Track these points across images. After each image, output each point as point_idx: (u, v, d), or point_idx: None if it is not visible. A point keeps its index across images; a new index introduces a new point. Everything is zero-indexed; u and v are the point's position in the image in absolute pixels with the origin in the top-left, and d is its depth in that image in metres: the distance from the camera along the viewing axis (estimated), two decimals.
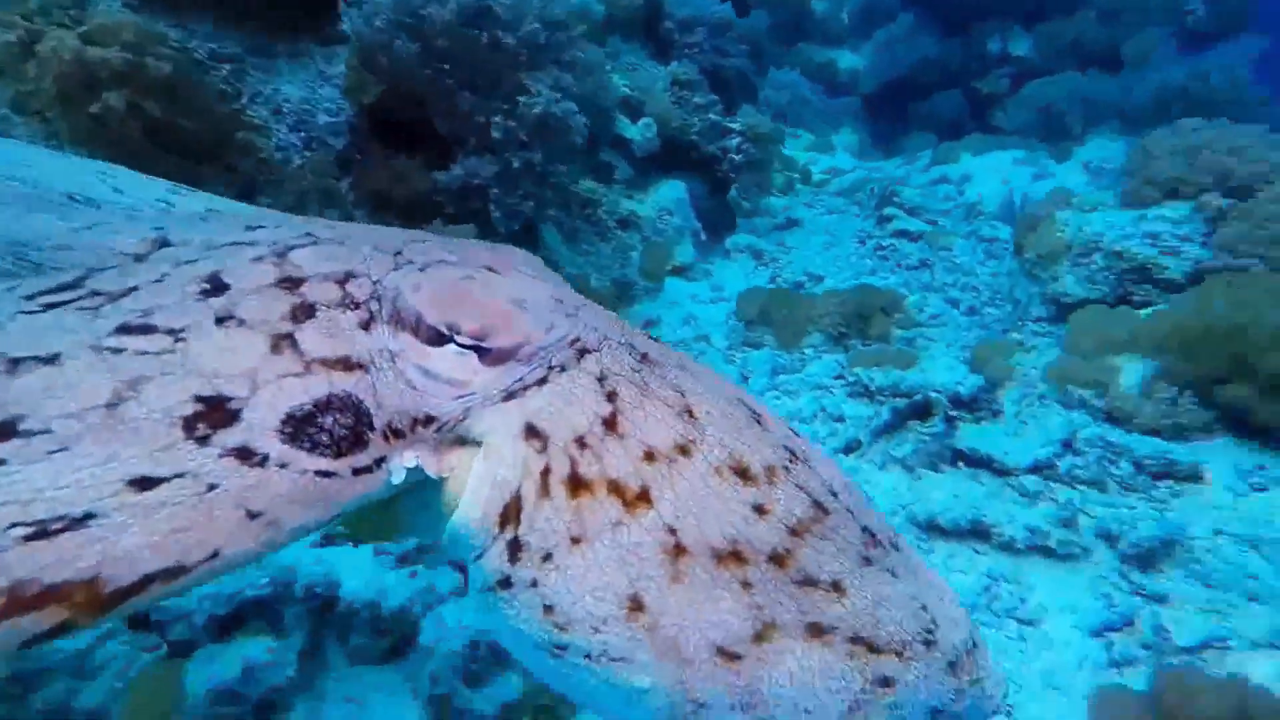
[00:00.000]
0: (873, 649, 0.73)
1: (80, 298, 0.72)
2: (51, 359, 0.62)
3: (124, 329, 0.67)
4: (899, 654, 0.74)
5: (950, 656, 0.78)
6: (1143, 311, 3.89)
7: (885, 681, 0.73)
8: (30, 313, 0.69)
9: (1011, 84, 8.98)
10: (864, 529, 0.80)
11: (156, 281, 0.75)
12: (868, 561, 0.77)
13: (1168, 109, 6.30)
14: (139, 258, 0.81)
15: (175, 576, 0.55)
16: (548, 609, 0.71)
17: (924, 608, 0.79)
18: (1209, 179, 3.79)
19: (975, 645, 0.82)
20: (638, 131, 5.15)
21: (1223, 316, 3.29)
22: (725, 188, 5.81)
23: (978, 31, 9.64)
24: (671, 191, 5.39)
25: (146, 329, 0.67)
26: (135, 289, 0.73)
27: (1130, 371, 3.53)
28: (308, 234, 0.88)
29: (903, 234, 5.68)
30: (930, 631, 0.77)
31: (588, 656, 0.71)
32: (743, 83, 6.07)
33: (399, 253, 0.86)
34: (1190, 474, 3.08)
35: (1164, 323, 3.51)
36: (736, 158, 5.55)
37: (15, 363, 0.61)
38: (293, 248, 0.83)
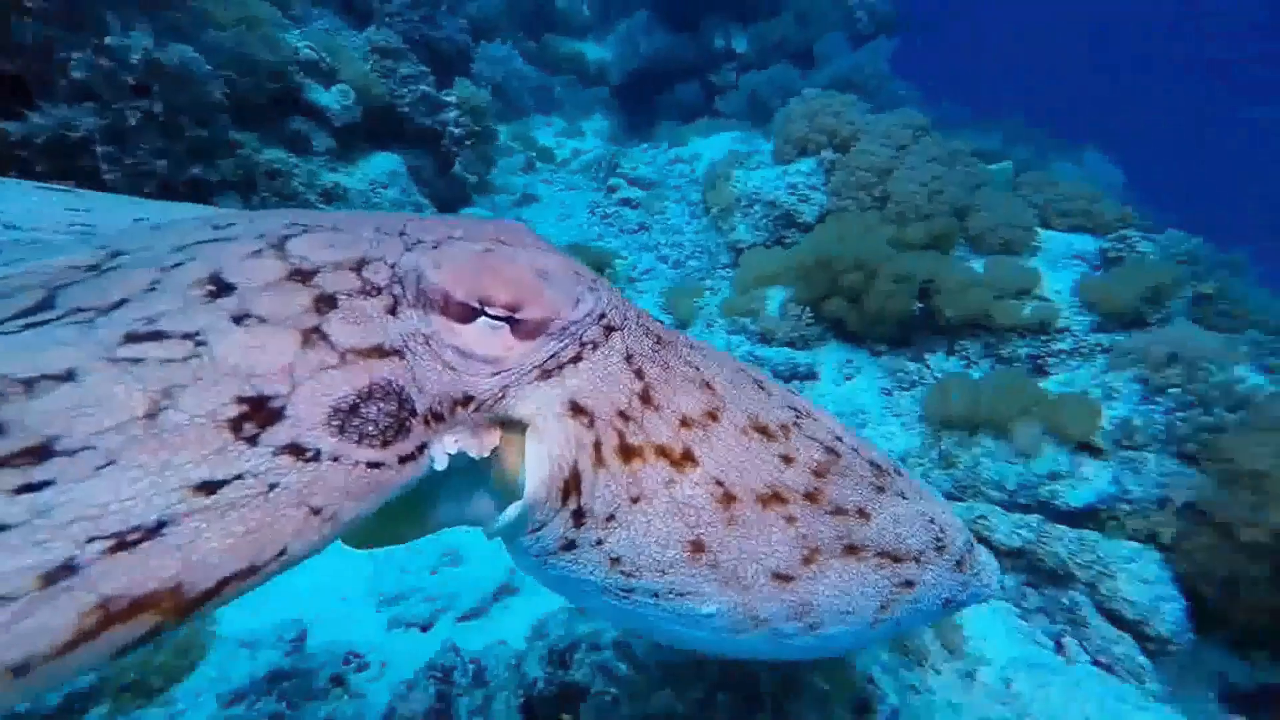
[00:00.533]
0: (896, 559, 0.88)
1: (63, 315, 0.65)
2: (68, 376, 0.58)
3: (133, 338, 0.63)
4: (917, 560, 0.90)
5: (956, 557, 0.93)
6: (790, 250, 4.64)
7: (908, 583, 0.88)
8: (10, 333, 0.63)
9: (736, 76, 10.18)
10: (871, 463, 0.93)
11: (149, 290, 0.69)
12: (881, 490, 0.90)
13: None
14: (96, 269, 0.73)
15: (248, 576, 0.55)
16: (614, 560, 0.79)
17: (931, 520, 0.93)
18: (824, 138, 4.63)
19: (973, 546, 0.97)
20: (333, 99, 4.84)
21: (824, 248, 4.06)
22: (452, 163, 5.74)
23: (705, 28, 10.74)
24: (384, 164, 5.18)
25: (158, 335, 0.64)
26: (125, 300, 0.68)
27: (773, 300, 4.20)
28: (293, 223, 0.82)
29: (626, 202, 6.12)
30: (940, 539, 0.92)
31: (655, 595, 0.80)
32: (459, 57, 6.03)
33: (403, 233, 0.83)
34: (808, 373, 3.77)
35: (793, 258, 4.24)
36: (456, 131, 5.51)
37: (29, 383, 0.57)
38: (287, 238, 0.78)
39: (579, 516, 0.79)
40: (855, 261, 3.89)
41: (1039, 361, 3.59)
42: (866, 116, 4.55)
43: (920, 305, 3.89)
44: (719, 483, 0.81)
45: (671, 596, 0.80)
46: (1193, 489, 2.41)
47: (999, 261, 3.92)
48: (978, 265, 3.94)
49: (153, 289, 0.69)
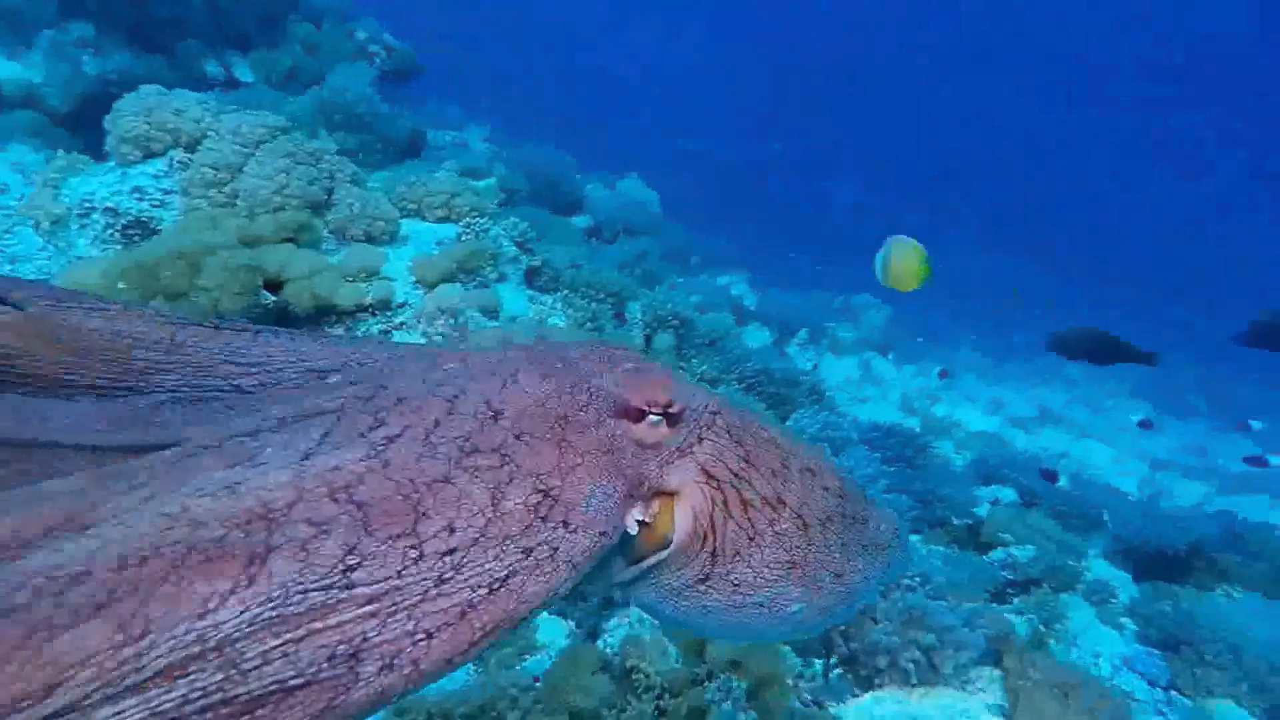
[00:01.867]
0: (880, 549, 1.18)
1: (401, 433, 0.83)
2: (446, 480, 0.80)
3: (466, 453, 0.84)
4: (883, 549, 1.20)
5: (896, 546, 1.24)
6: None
7: (887, 562, 1.18)
8: (375, 444, 0.80)
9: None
10: (860, 487, 1.24)
11: (450, 415, 0.88)
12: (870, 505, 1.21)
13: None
14: (371, 400, 0.89)
15: (544, 607, 0.83)
16: (736, 585, 1.06)
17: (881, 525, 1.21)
18: (167, 136, 4.08)
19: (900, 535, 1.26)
20: None
21: (148, 250, 3.51)
22: None
23: (186, 53, 9.39)
24: None
25: (477, 450, 0.85)
26: (439, 423, 0.86)
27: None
28: (508, 360, 1.03)
29: None
30: (890, 536, 1.21)
31: (760, 605, 1.08)
32: None
33: (583, 359, 1.09)
34: None
35: (113, 264, 3.59)
36: None
37: (430, 484, 0.78)
38: (517, 372, 0.99)
39: (714, 557, 1.05)
40: (174, 254, 3.42)
41: (385, 334, 3.70)
42: (218, 116, 4.22)
43: (274, 298, 3.67)
44: (799, 516, 1.08)
45: (772, 605, 1.08)
46: None
47: (352, 250, 3.96)
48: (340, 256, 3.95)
49: (452, 415, 0.88)
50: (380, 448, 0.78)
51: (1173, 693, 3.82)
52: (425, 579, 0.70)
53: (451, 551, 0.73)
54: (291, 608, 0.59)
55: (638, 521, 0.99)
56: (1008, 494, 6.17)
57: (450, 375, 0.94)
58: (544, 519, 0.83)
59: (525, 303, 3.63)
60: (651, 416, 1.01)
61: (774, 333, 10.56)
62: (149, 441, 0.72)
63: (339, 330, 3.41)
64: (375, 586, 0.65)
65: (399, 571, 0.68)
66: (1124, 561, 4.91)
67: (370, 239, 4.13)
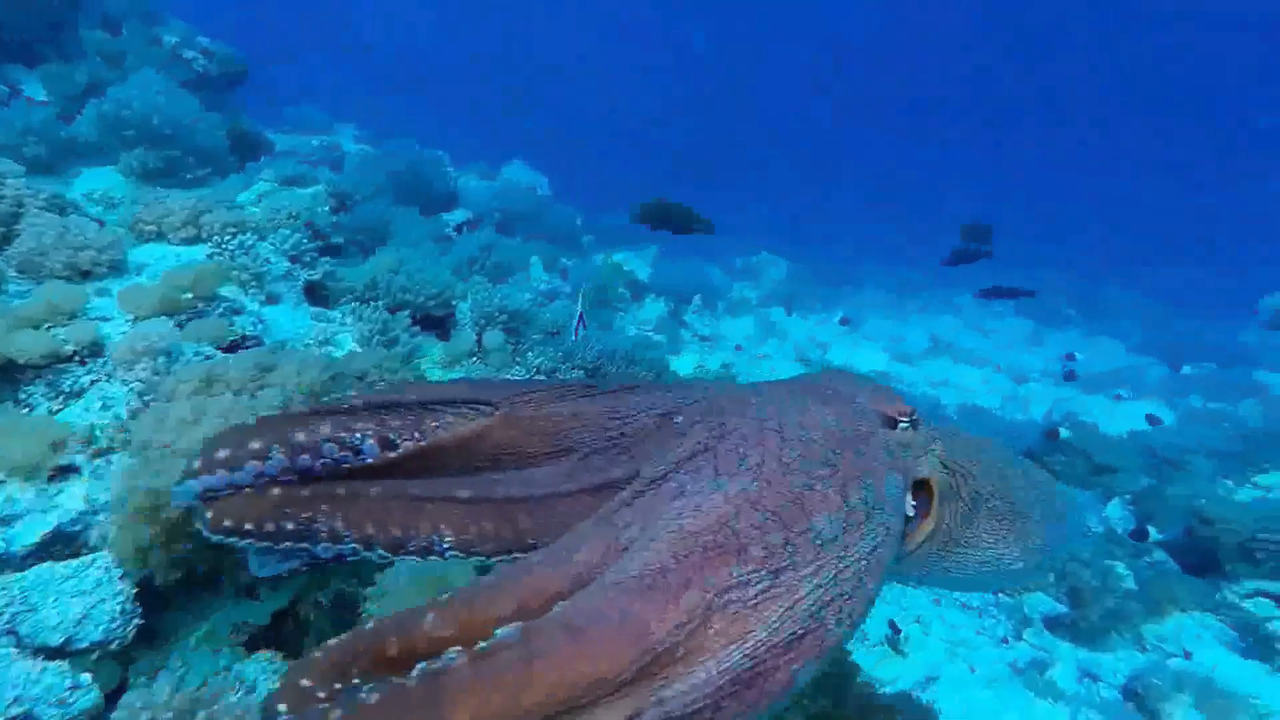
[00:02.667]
0: (1061, 518, 1.41)
1: (764, 459, 1.00)
2: (810, 489, 0.96)
3: (811, 467, 1.01)
4: (1062, 517, 1.46)
5: None
6: None
7: (1065, 527, 1.43)
8: (755, 470, 0.96)
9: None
10: (1043, 472, 1.58)
11: (784, 443, 1.03)
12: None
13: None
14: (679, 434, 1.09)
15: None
16: (969, 551, 1.28)
17: (1058, 500, 1.49)
18: None
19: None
20: None
21: None
22: None
23: None
24: None
25: (814, 464, 1.01)
26: (780, 449, 1.01)
27: None
28: (788, 393, 1.24)
29: None
30: (1066, 508, 1.49)
31: (987, 564, 1.28)
32: None
33: (840, 383, 1.34)
34: None
35: None
36: None
37: (802, 494, 0.95)
38: (808, 402, 1.18)
39: (952, 529, 1.26)
40: None
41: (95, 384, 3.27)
42: None
43: None
44: (1009, 495, 1.32)
45: (996, 563, 1.29)
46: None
47: (43, 289, 3.34)
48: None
49: (784, 443, 1.03)
50: (759, 472, 0.96)
51: (1000, 595, 4.21)
52: (833, 556, 0.90)
53: (836, 537, 0.92)
54: (778, 578, 0.83)
55: (912, 505, 1.19)
56: None
57: (764, 410, 1.10)
58: (875, 508, 1.00)
59: (307, 321, 3.31)
60: (903, 423, 1.25)
61: (670, 303, 10.66)
62: (595, 483, 0.98)
63: (41, 386, 2.97)
64: (813, 564, 0.87)
65: (817, 553, 0.89)
66: None
67: (78, 273, 3.64)
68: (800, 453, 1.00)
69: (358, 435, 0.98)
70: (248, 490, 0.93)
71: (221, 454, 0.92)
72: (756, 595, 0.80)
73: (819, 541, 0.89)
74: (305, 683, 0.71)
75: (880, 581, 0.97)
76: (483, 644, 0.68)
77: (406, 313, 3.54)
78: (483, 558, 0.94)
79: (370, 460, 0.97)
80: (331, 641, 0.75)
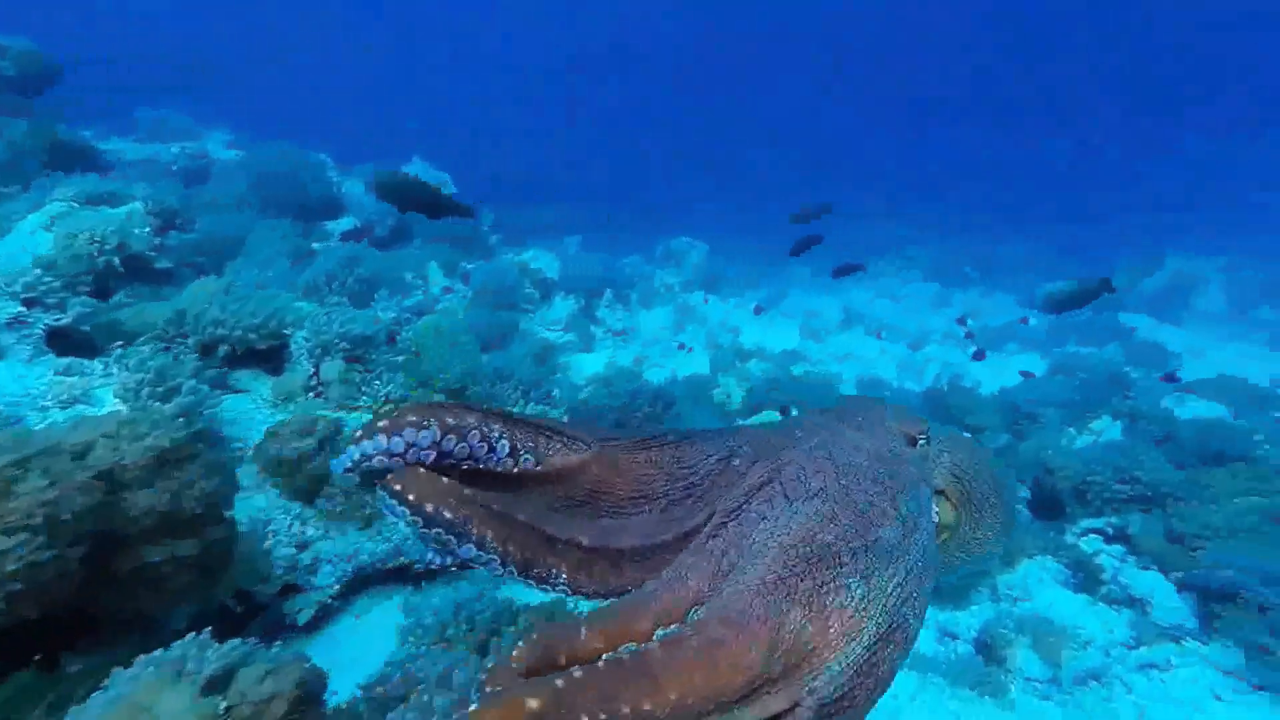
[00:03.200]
0: (1012, 511, 1.62)
1: (825, 484, 1.09)
2: (872, 505, 1.07)
3: (865, 488, 1.10)
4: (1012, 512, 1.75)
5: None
6: None
7: (1013, 521, 1.69)
8: (822, 494, 1.06)
9: None
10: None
11: (835, 469, 1.13)
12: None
13: None
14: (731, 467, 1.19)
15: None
16: (968, 547, 1.39)
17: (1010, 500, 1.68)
18: None
19: None
20: None
21: None
22: None
23: None
24: None
25: (867, 484, 1.10)
26: (836, 475, 1.11)
27: None
28: (825, 425, 1.31)
29: None
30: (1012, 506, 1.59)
31: (970, 556, 1.40)
32: None
33: (861, 409, 1.40)
34: None
35: None
36: None
37: (865, 512, 1.06)
38: (844, 429, 1.27)
39: (957, 531, 1.36)
40: None
41: None
42: None
43: None
44: (1000, 499, 1.43)
45: (979, 554, 1.41)
46: None
47: None
48: None
49: (836, 469, 1.13)
50: (825, 495, 1.04)
51: None
52: (901, 561, 1.01)
53: (899, 544, 1.03)
54: (869, 581, 0.95)
55: (935, 513, 1.29)
56: (770, 417, 6.57)
57: (810, 442, 1.17)
58: (920, 516, 1.12)
59: (47, 378, 2.78)
60: (921, 440, 1.32)
61: (581, 299, 10.43)
62: (684, 531, 1.05)
63: None
64: (890, 568, 0.99)
65: (889, 558, 0.99)
66: None
67: None
68: (853, 475, 1.10)
69: (495, 433, 1.04)
70: (422, 470, 0.98)
71: (381, 423, 0.98)
72: (859, 597, 0.92)
73: (888, 549, 1.01)
74: (501, 686, 0.81)
75: (933, 580, 1.11)
76: (661, 631, 0.85)
77: (223, 349, 3.15)
78: (584, 598, 1.05)
79: (498, 461, 1.03)
80: (514, 651, 0.86)
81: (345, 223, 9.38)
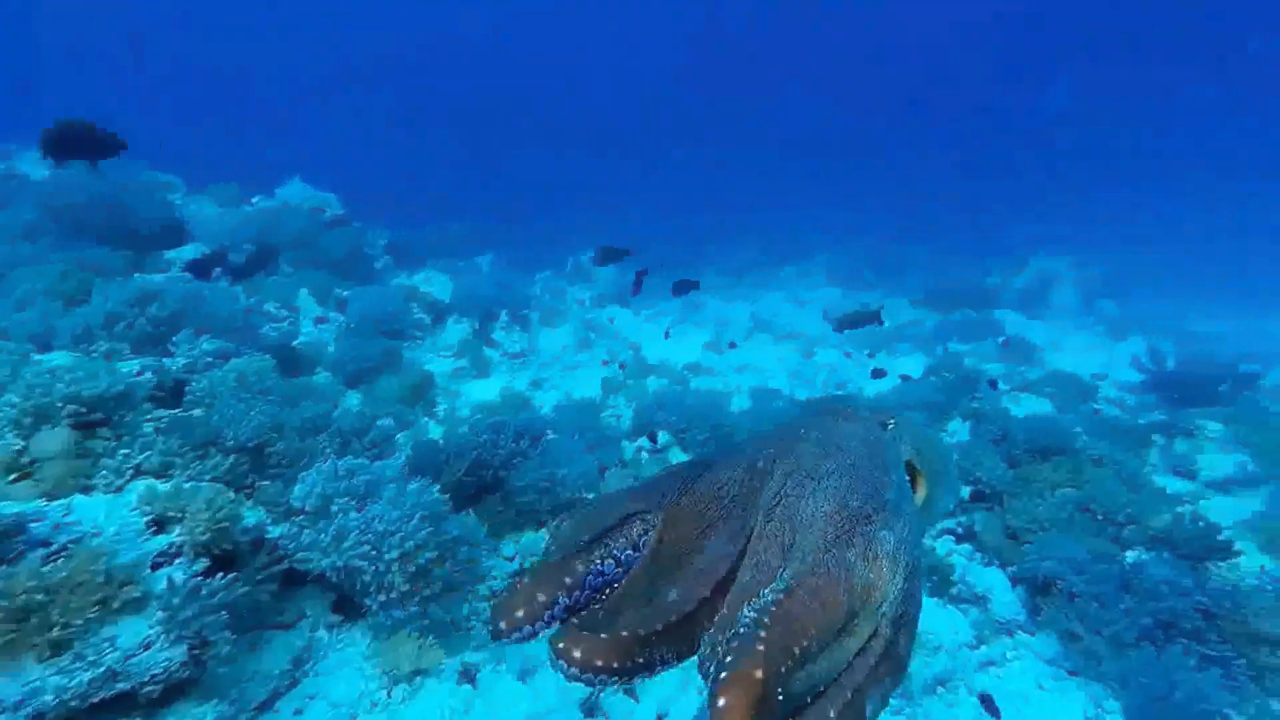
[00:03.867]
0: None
1: (834, 470, 1.28)
2: (872, 483, 1.27)
3: (861, 472, 1.29)
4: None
5: None
6: None
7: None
8: (836, 480, 1.25)
9: None
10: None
11: (834, 462, 1.31)
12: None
13: None
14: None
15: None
16: (930, 510, 1.56)
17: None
18: None
19: None
20: None
21: None
22: None
23: None
24: None
25: (863, 468, 1.30)
26: (835, 464, 1.29)
27: None
28: (816, 421, 1.48)
29: None
30: None
31: (935, 516, 1.62)
32: None
33: (834, 405, 1.62)
34: None
35: None
36: None
37: (870, 489, 1.24)
38: (838, 423, 1.48)
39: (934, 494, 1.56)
40: None
41: None
42: None
43: None
44: (948, 464, 1.68)
45: (937, 512, 1.57)
46: None
47: None
48: None
49: (836, 462, 1.30)
50: (840, 473, 1.26)
51: None
52: (906, 519, 1.21)
53: (900, 506, 1.24)
54: (893, 532, 1.15)
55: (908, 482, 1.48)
56: (663, 437, 6.55)
57: (814, 436, 1.38)
58: (904, 483, 1.36)
59: None
60: (890, 425, 1.52)
61: (475, 321, 10.12)
62: (749, 531, 1.20)
63: None
64: (902, 525, 1.19)
65: (899, 517, 1.20)
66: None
67: None
68: (856, 455, 1.31)
69: (617, 550, 1.18)
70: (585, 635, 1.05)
71: (518, 613, 1.07)
72: (892, 544, 1.11)
73: (895, 508, 1.20)
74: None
75: (922, 534, 1.32)
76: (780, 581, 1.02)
77: None
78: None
79: (616, 577, 1.15)
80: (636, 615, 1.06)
81: (188, 251, 8.56)
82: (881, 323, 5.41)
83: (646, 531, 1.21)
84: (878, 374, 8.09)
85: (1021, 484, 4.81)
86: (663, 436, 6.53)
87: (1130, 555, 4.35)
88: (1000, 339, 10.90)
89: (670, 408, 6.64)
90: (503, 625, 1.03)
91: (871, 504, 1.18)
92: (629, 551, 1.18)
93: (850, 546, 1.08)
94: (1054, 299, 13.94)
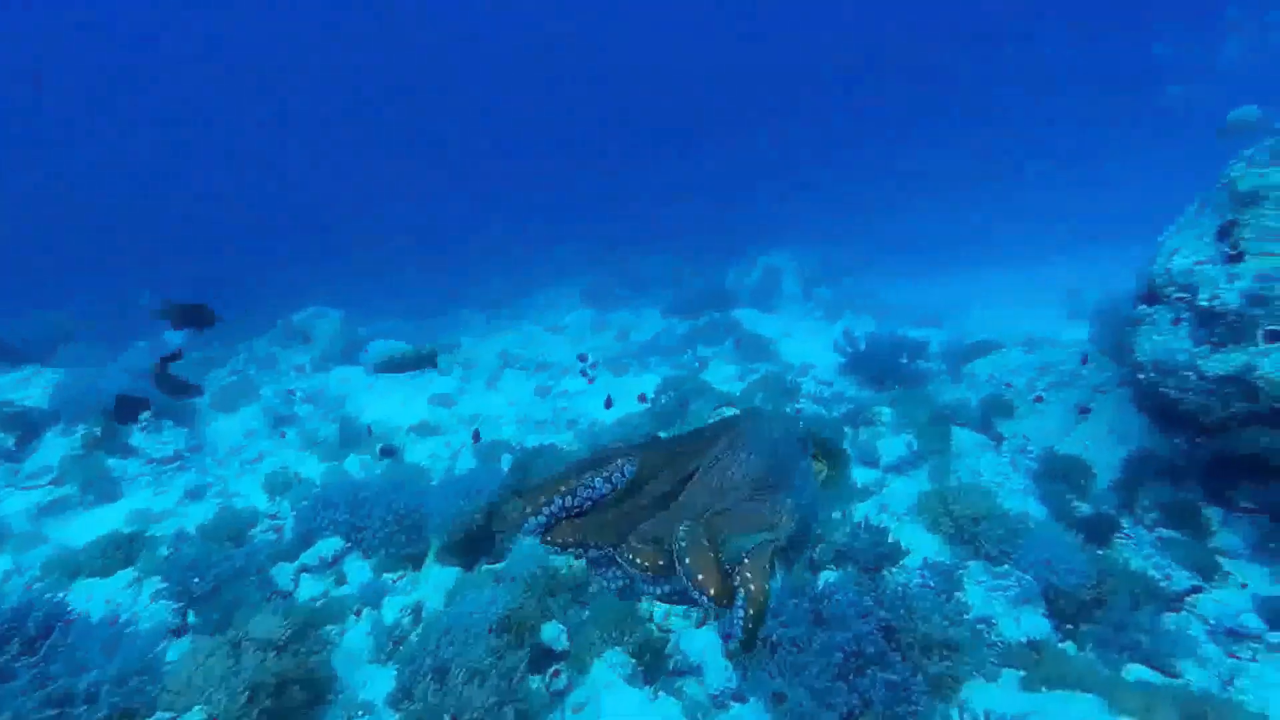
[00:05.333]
0: None
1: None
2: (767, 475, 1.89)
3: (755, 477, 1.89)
4: None
5: None
6: None
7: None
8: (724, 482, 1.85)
9: None
10: None
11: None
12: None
13: None
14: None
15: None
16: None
17: None
18: None
19: None
20: None
21: None
22: None
23: None
24: None
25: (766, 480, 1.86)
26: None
27: None
28: (731, 423, 2.02)
29: None
30: None
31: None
32: None
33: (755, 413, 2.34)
34: None
35: None
36: None
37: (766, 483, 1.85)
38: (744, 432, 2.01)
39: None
40: None
41: None
42: None
43: None
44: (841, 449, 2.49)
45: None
46: None
47: None
48: None
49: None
50: (762, 452, 1.86)
51: None
52: (804, 488, 1.86)
53: (807, 475, 1.94)
54: (792, 495, 1.79)
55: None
56: (331, 545, 5.04)
57: (746, 425, 1.95)
58: (808, 466, 2.01)
59: None
60: (800, 424, 2.12)
61: (94, 427, 7.36)
62: (690, 471, 1.86)
63: None
64: (799, 492, 1.82)
65: (798, 490, 1.85)
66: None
67: None
68: (776, 440, 1.89)
69: (617, 468, 1.79)
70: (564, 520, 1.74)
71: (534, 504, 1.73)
72: (791, 504, 1.73)
73: (799, 481, 1.84)
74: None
75: (817, 502, 1.93)
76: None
77: None
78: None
79: (620, 484, 1.78)
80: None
81: None
82: (435, 365, 4.60)
83: (629, 463, 1.80)
84: (609, 404, 7.54)
85: None
86: (328, 545, 5.04)
87: (823, 578, 4.16)
88: (734, 339, 11.41)
89: (341, 505, 5.18)
90: (528, 510, 1.71)
91: (778, 475, 1.81)
92: (616, 475, 1.77)
93: (762, 499, 1.74)
94: (784, 289, 15.35)
